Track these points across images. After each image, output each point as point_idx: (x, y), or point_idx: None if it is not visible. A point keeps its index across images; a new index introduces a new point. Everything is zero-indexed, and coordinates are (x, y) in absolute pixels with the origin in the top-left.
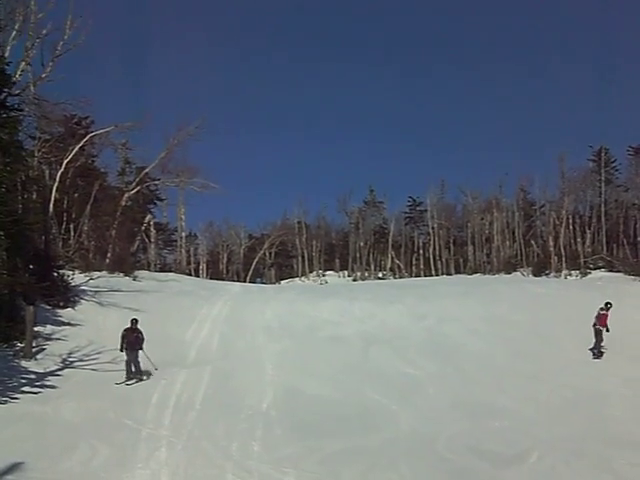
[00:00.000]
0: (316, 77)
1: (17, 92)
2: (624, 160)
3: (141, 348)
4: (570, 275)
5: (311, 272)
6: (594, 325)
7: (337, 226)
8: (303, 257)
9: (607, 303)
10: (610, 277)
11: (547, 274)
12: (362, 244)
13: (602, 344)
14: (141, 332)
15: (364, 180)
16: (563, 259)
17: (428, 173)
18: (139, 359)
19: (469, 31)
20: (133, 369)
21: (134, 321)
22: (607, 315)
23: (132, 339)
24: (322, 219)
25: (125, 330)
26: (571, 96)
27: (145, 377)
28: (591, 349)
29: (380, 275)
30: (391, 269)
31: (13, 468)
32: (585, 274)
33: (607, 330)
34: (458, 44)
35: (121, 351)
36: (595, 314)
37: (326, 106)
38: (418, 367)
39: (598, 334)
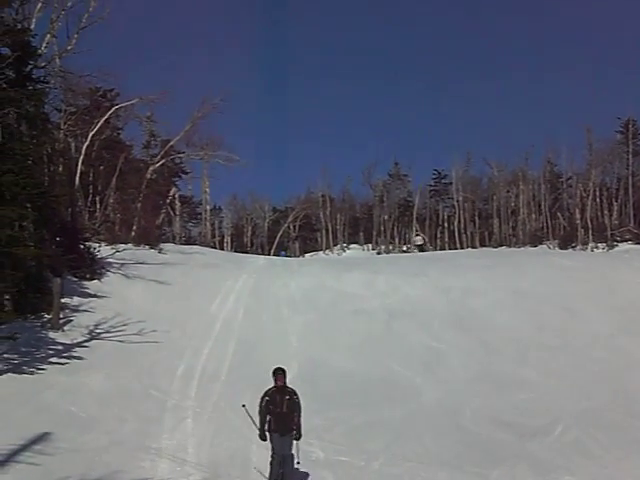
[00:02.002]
0: (336, 47)
1: (43, 64)
2: None
3: (297, 430)
4: (597, 248)
5: (335, 245)
6: None
7: (361, 199)
8: (327, 230)
9: None
10: (637, 249)
11: (573, 247)
12: (386, 217)
13: None
14: (296, 394)
15: (389, 153)
16: (590, 232)
17: (453, 145)
18: (293, 450)
19: None
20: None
21: (280, 373)
22: None
23: (281, 409)
24: (346, 192)
25: (267, 393)
26: (599, 66)
27: None
28: None
29: (404, 248)
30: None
31: (40, 438)
32: (612, 247)
33: None
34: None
35: (262, 438)
36: None
37: (350, 78)
38: (442, 340)
39: None
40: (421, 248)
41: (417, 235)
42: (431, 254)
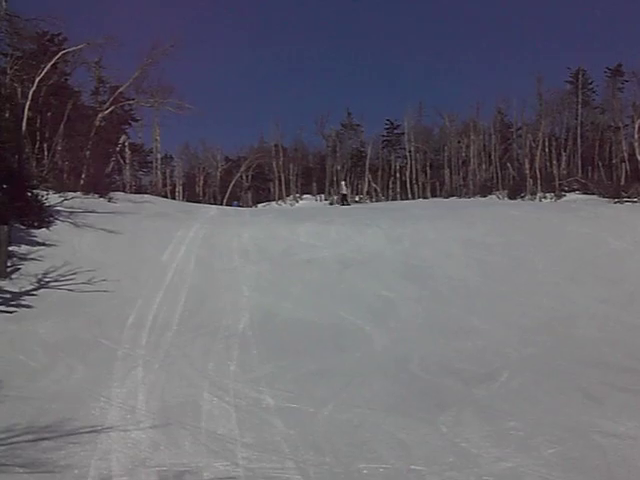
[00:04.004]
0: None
1: None
2: (601, 82)
3: None
4: (545, 198)
5: (288, 196)
6: None
7: (314, 149)
8: (280, 180)
9: None
10: (585, 199)
11: (522, 197)
12: (339, 168)
13: None
14: None
15: (342, 103)
16: (538, 182)
17: (406, 96)
18: None
19: None
20: None
21: None
22: None
23: None
24: (299, 142)
25: None
26: (550, 16)
27: None
28: None
29: (357, 199)
30: (368, 192)
31: None
32: (560, 197)
33: None
34: None
35: None
36: None
37: (303, 26)
38: (392, 289)
39: None
40: (344, 198)
41: (343, 184)
42: (383, 204)
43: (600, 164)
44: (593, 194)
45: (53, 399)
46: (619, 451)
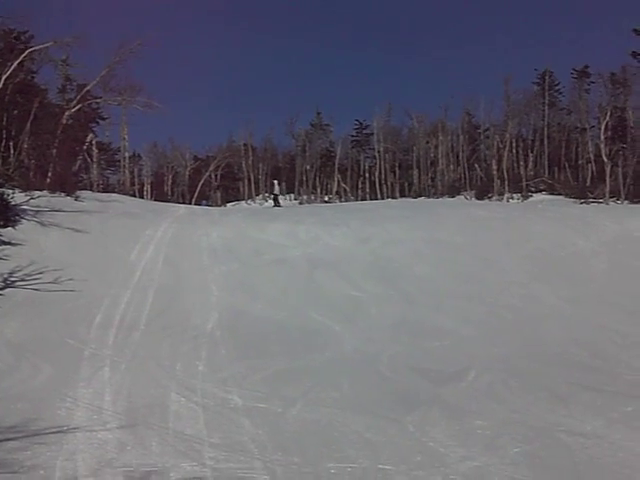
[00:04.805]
0: None
1: None
2: (568, 83)
3: None
4: (512, 198)
5: (257, 195)
6: None
7: (284, 149)
8: (249, 180)
9: None
10: (551, 200)
11: (490, 197)
12: (308, 167)
13: None
14: None
15: (311, 103)
16: (506, 182)
17: (375, 96)
18: None
19: None
20: None
21: None
22: None
23: None
24: (269, 142)
25: None
26: (518, 17)
27: None
28: None
29: (326, 199)
30: (337, 192)
31: None
32: (527, 197)
33: None
34: None
35: None
36: None
37: (273, 25)
38: (361, 289)
39: None
40: (276, 198)
41: (275, 183)
42: (352, 204)
43: (566, 165)
44: (560, 195)
45: (18, 399)
46: (585, 450)
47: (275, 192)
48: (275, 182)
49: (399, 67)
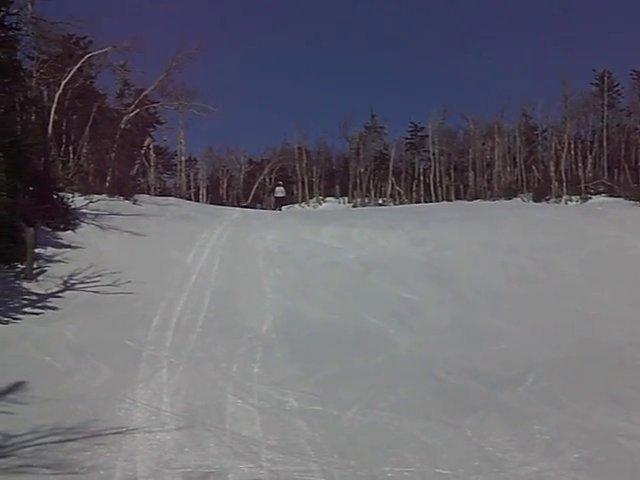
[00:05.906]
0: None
1: (15, 11)
2: (627, 84)
3: None
4: (570, 200)
5: (311, 198)
6: None
7: (338, 152)
8: (303, 183)
9: None
10: (611, 202)
11: (547, 199)
12: (362, 170)
13: None
14: None
15: (365, 105)
16: (564, 184)
17: (430, 98)
18: None
19: None
20: None
21: None
22: None
23: None
24: (322, 145)
25: None
26: (576, 18)
27: None
28: None
29: (380, 201)
30: (391, 195)
31: (14, 387)
32: (585, 199)
33: None
34: None
35: None
36: None
37: (327, 28)
38: (416, 292)
39: None
40: (280, 202)
41: (278, 185)
42: (406, 207)
43: (626, 166)
44: (619, 197)
45: (78, 400)
46: None
47: (277, 195)
48: (280, 184)
49: (454, 68)
